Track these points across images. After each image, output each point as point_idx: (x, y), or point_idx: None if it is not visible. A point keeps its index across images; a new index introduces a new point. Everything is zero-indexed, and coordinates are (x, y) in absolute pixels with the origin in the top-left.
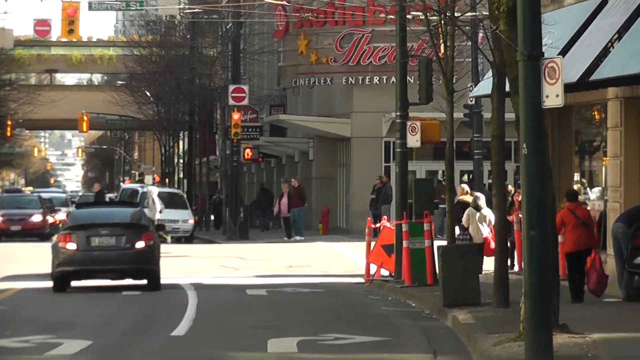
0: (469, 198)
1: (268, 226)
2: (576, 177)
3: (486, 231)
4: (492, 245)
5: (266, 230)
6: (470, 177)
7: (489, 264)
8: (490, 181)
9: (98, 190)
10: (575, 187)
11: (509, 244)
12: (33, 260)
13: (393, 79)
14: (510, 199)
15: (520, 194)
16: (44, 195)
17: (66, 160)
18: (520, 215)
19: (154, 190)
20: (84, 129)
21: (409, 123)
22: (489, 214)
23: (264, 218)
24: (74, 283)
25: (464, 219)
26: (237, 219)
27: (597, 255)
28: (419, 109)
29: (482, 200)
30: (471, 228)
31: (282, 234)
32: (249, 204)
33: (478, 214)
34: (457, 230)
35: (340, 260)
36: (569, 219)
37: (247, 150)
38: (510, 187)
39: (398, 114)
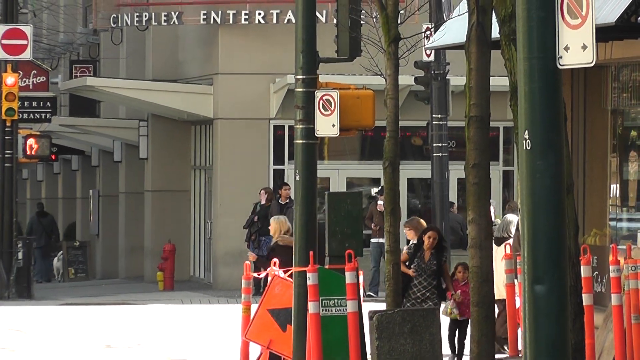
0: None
1: (60, 275)
2: (613, 191)
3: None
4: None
5: (60, 281)
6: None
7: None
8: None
9: None
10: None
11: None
12: None
13: (289, 15)
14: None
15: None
16: None
17: None
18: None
19: None
20: None
21: (318, 94)
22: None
23: (42, 261)
24: None
25: None
26: (13, 264)
27: None
28: (336, 69)
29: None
30: None
31: (88, 289)
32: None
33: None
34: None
35: (194, 336)
36: None
37: (31, 141)
38: (492, 209)
39: (300, 77)
